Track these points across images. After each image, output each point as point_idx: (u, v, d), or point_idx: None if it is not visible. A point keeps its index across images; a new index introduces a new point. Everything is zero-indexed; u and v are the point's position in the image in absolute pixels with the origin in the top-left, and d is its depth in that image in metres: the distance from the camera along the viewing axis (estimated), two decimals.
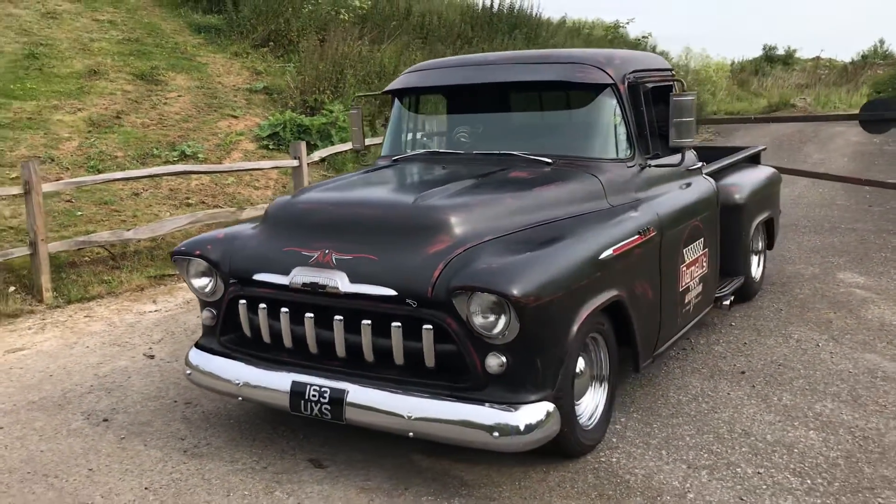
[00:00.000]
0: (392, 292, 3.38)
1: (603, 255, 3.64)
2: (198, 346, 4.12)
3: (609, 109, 4.40)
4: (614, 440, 3.95)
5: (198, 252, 3.95)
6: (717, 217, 5.13)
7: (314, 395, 3.56)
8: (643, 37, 25.99)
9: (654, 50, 28.79)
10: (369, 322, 3.49)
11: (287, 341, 3.75)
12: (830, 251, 7.74)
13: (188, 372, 4.08)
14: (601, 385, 3.97)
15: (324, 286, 3.51)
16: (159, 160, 10.01)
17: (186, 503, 3.46)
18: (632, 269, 3.94)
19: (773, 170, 6.72)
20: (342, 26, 15.02)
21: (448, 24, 16.09)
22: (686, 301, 4.69)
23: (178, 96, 12.39)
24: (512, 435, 3.24)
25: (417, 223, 3.51)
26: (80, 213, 8.35)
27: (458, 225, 3.49)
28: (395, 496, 3.46)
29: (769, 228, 6.49)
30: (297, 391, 3.60)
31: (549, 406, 3.35)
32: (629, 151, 4.40)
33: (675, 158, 4.55)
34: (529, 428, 3.28)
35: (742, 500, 3.37)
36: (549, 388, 3.38)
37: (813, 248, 7.90)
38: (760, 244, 6.38)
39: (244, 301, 3.84)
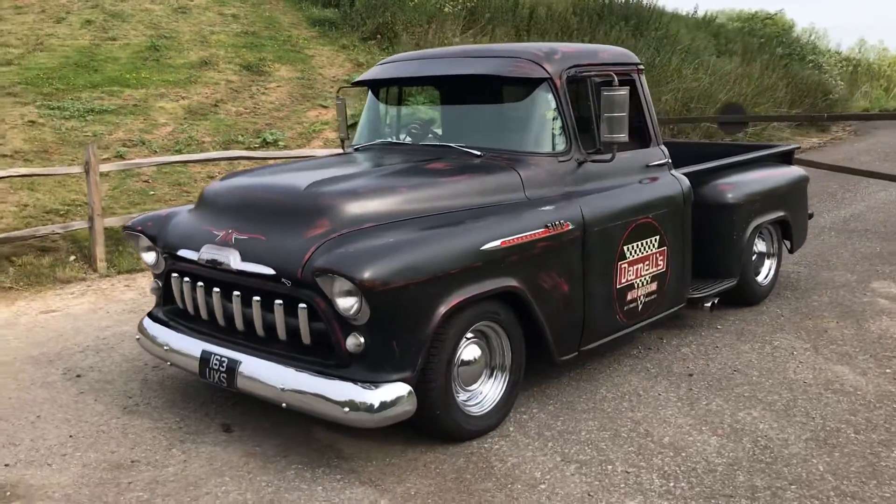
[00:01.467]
0: (271, 271, 3.64)
1: (486, 246, 3.72)
2: (149, 314, 4.54)
3: (542, 104, 4.43)
4: (511, 429, 4.02)
5: (139, 228, 4.36)
6: (686, 215, 5.01)
7: (216, 364, 3.88)
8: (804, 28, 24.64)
9: (815, 42, 27.32)
10: (258, 299, 3.76)
11: (202, 313, 4.08)
12: (884, 259, 7.25)
13: (137, 336, 4.51)
14: (502, 374, 4.04)
15: (221, 263, 3.81)
16: (241, 146, 10.69)
17: (96, 451, 3.87)
18: (534, 262, 3.98)
19: (797, 170, 6.41)
20: (446, 19, 15.33)
21: (555, 16, 16.01)
22: (630, 298, 4.64)
23: (278, 86, 13.13)
24: (362, 411, 3.42)
25: (302, 208, 3.74)
26: (152, 192, 9.11)
27: (338, 211, 3.69)
28: (271, 462, 3.72)
29: (785, 231, 6.20)
30: (205, 359, 3.93)
31: (404, 388, 3.49)
32: (564, 146, 4.41)
33: (639, 153, 4.58)
34: (383, 406, 3.44)
35: (589, 496, 3.38)
36: (409, 371, 3.52)
37: (866, 255, 7.42)
38: (770, 247, 6.11)
39: (175, 274, 4.21)
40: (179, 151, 10.13)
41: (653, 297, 4.83)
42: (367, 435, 3.91)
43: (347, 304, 3.42)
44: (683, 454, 3.73)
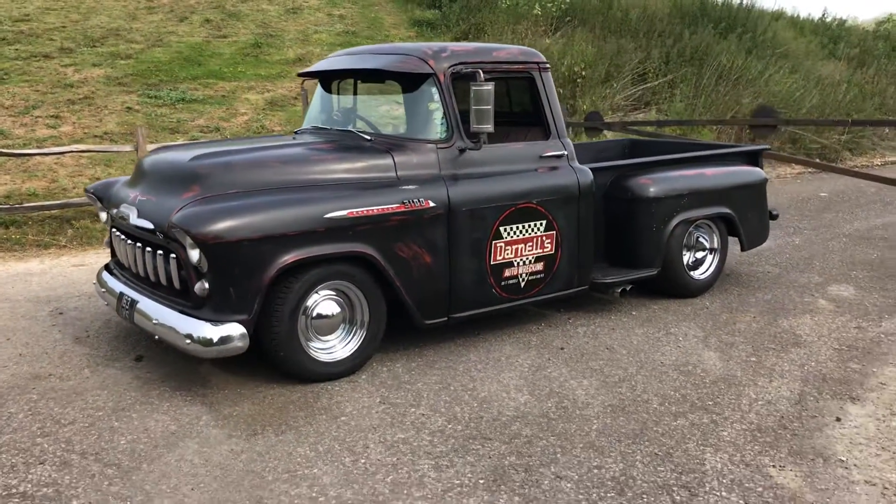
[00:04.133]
0: (151, 226, 4.44)
1: (331, 215, 4.34)
2: (105, 265, 5.47)
3: (426, 96, 4.98)
4: (363, 377, 4.60)
5: (92, 191, 5.30)
6: (584, 204, 5.37)
7: (125, 303, 4.73)
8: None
9: None
10: (150, 249, 4.57)
11: (124, 261, 4.96)
12: (870, 266, 7.18)
13: (94, 282, 5.45)
14: (360, 330, 4.65)
15: (125, 217, 4.66)
16: None
17: (29, 365, 4.81)
18: (390, 233, 4.56)
19: (753, 170, 6.54)
20: (536, 20, 15.80)
21: (649, 18, 16.08)
22: (508, 275, 5.10)
23: None
24: (199, 344, 4.14)
25: (182, 175, 4.51)
26: None
27: (209, 178, 4.42)
28: (148, 383, 4.52)
29: (732, 228, 6.37)
30: (119, 298, 4.80)
31: (239, 328, 4.18)
32: (446, 134, 4.94)
33: (535, 145, 5.21)
34: (219, 341, 4.14)
35: (374, 428, 3.94)
36: (246, 314, 4.21)
37: (856, 262, 7.36)
38: (712, 243, 6.30)
39: (113, 229, 5.11)
40: (251, 137, 11.25)
41: (538, 276, 5.25)
42: (238, 370, 4.63)
43: (195, 255, 4.15)
44: (486, 405, 4.21)
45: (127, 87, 12.42)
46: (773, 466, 3.57)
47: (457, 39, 16.19)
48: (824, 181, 12.42)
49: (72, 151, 8.60)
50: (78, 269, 7.25)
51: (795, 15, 20.64)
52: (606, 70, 13.59)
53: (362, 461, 3.61)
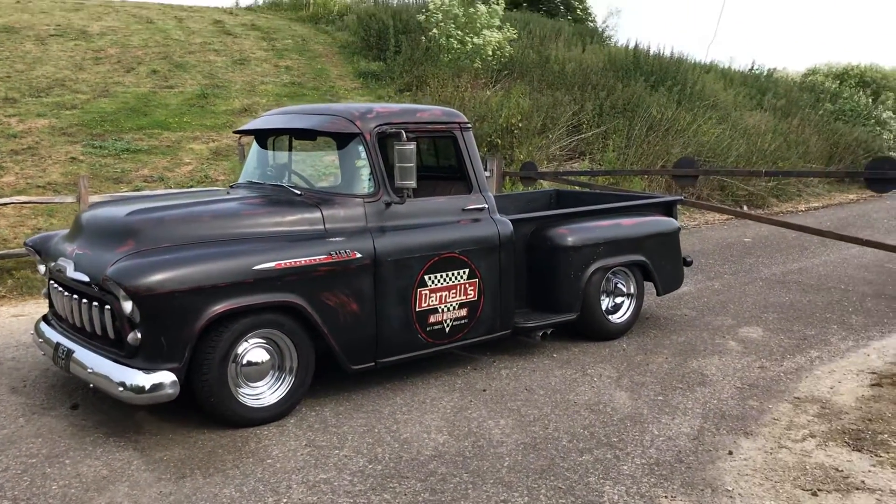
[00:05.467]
0: (87, 279, 4.65)
1: (259, 267, 4.61)
2: (42, 316, 5.63)
3: (353, 154, 5.30)
4: (291, 421, 4.83)
5: (31, 245, 5.49)
6: (504, 253, 5.71)
7: (61, 353, 4.90)
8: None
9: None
10: (85, 301, 4.77)
11: (61, 312, 5.14)
12: (780, 309, 7.65)
13: (31, 333, 5.60)
14: (289, 376, 4.89)
15: (62, 270, 4.86)
16: None
17: None
18: (317, 283, 4.83)
19: (667, 220, 6.98)
20: (476, 74, 16.36)
21: (584, 72, 16.75)
22: (433, 321, 5.39)
23: None
24: (131, 391, 4.34)
25: (118, 230, 4.74)
26: None
27: (144, 233, 4.66)
28: (83, 430, 4.68)
29: (647, 274, 6.77)
30: (57, 347, 4.97)
31: (169, 376, 4.39)
32: (372, 189, 5.25)
33: (458, 198, 5.58)
34: (150, 388, 4.35)
35: (299, 469, 4.17)
36: (177, 362, 4.42)
37: (768, 305, 7.82)
38: (628, 288, 6.69)
39: (51, 281, 5.30)
40: (188, 186, 11.45)
41: (462, 321, 5.56)
42: (170, 416, 4.82)
43: (128, 306, 4.37)
44: (406, 446, 4.46)
45: (72, 137, 12.55)
46: (665, 497, 3.89)
47: (400, 91, 16.66)
48: (749, 227, 13.03)
49: (13, 203, 8.72)
50: (17, 318, 7.35)
51: (726, 66, 21.64)
52: (542, 121, 14.13)
53: (284, 500, 3.83)
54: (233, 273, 4.53)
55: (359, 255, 5.00)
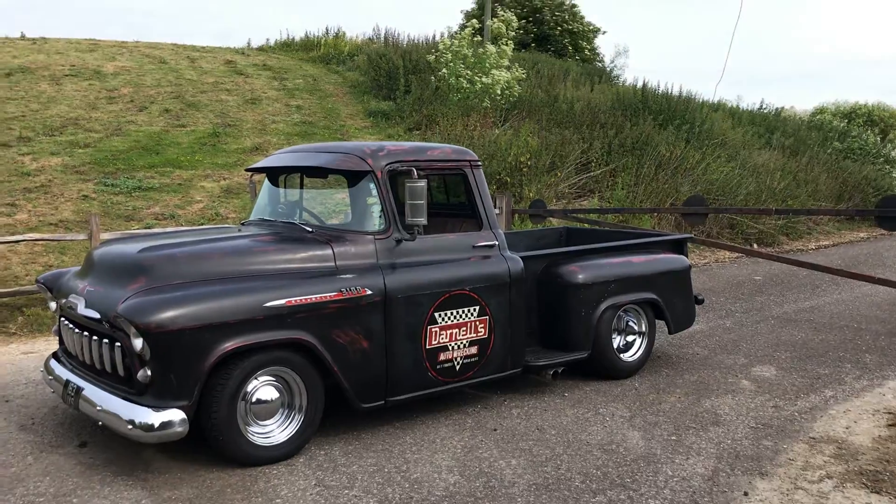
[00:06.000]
0: (98, 315, 4.65)
1: (270, 304, 4.60)
2: (53, 353, 5.63)
3: (364, 192, 5.32)
4: (301, 459, 4.79)
5: (42, 281, 5.50)
6: (515, 290, 5.69)
7: (71, 390, 4.89)
8: None
9: None
10: (96, 338, 4.77)
11: (71, 349, 5.13)
12: (793, 348, 7.58)
13: (41, 370, 5.59)
14: (298, 414, 4.86)
15: (72, 307, 4.87)
16: None
17: None
18: (327, 320, 4.81)
19: (678, 258, 6.96)
20: (485, 113, 16.49)
21: (593, 110, 16.85)
22: (443, 359, 5.36)
23: None
24: (141, 430, 4.31)
25: (129, 267, 4.75)
26: None
27: (155, 270, 4.67)
28: (91, 469, 4.64)
29: (658, 313, 6.73)
30: (66, 385, 4.95)
31: (179, 414, 4.36)
32: (383, 226, 5.26)
33: (469, 235, 5.60)
34: (159, 426, 4.32)
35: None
36: (186, 400, 4.40)
37: (780, 343, 7.76)
38: (640, 326, 6.64)
39: (62, 318, 5.30)
40: (199, 223, 11.50)
41: (472, 359, 5.52)
42: (179, 454, 4.78)
43: (138, 343, 4.36)
44: (417, 486, 4.41)
45: (84, 175, 12.66)
46: None
47: (410, 130, 16.78)
48: (760, 265, 12.98)
49: (26, 240, 8.77)
50: (27, 356, 7.34)
51: (735, 105, 21.75)
52: (551, 159, 14.19)
53: None
54: (243, 310, 4.52)
55: (369, 292, 4.99)
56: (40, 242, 9.88)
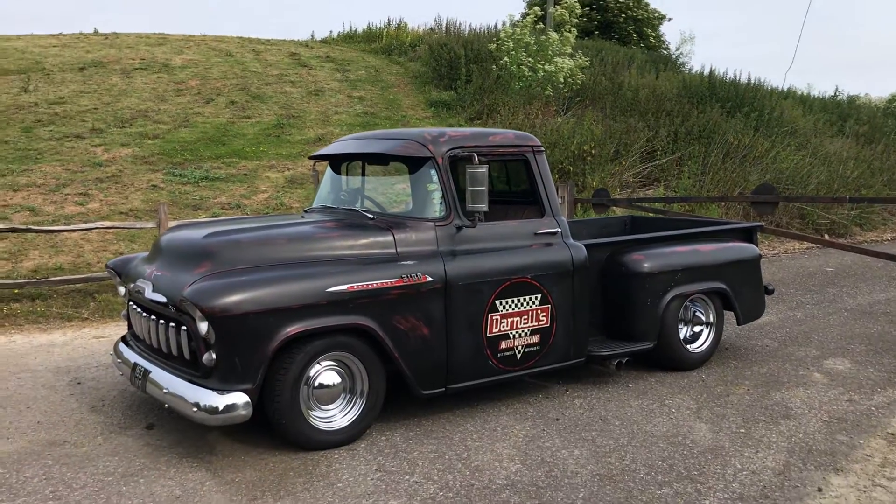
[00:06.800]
0: (164, 300, 4.73)
1: (332, 289, 4.61)
2: (121, 337, 5.75)
3: (425, 178, 5.29)
4: (362, 445, 4.79)
5: (111, 266, 5.62)
6: (578, 279, 5.59)
7: (139, 373, 4.99)
8: None
9: None
10: (163, 322, 4.85)
11: (139, 333, 5.23)
12: (868, 340, 7.31)
13: (110, 354, 5.72)
14: (360, 399, 4.87)
15: (140, 291, 4.96)
16: None
17: (46, 433, 5.05)
18: (388, 306, 4.80)
19: (747, 247, 6.76)
20: (547, 101, 16.33)
21: (658, 98, 16.54)
22: (504, 347, 5.30)
23: None
24: (205, 412, 4.37)
25: (195, 252, 4.82)
26: None
27: (220, 255, 4.72)
28: (158, 450, 4.73)
29: (727, 302, 6.55)
30: (134, 368, 5.06)
31: (243, 397, 4.41)
32: (444, 213, 5.22)
33: (530, 222, 5.52)
34: (223, 409, 4.37)
35: (369, 494, 4.12)
36: (250, 383, 4.44)
37: (854, 336, 7.49)
38: (707, 317, 6.48)
39: (130, 302, 5.41)
40: (265, 212, 11.65)
41: (534, 348, 5.45)
42: (243, 437, 4.84)
43: (203, 327, 4.41)
44: (478, 474, 4.37)
45: (153, 165, 12.95)
46: None
47: (471, 119, 16.72)
48: (831, 256, 12.57)
49: (98, 228, 9.00)
50: (98, 340, 7.54)
51: (805, 93, 21.10)
52: (615, 148, 13.96)
53: None
54: (306, 295, 4.54)
55: (430, 279, 4.96)
56: (111, 231, 10.15)
